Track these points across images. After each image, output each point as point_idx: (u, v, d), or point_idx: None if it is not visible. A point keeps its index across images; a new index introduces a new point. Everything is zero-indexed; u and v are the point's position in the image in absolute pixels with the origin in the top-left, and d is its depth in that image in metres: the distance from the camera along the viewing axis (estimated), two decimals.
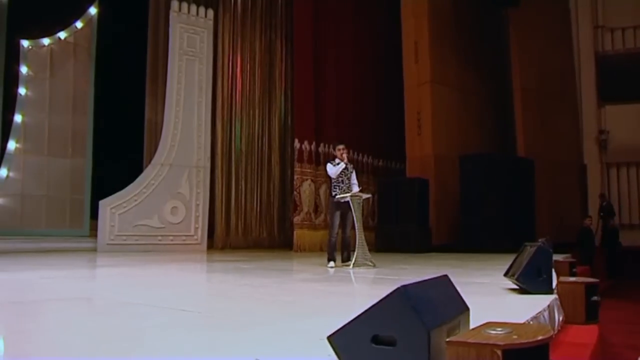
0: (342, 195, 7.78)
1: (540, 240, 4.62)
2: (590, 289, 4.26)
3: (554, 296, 4.13)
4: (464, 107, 15.35)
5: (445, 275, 2.50)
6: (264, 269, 7.45)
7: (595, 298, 4.25)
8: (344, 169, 8.08)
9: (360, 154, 15.87)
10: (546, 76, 16.17)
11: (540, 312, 3.38)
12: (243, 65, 15.77)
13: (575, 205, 16.24)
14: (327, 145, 14.33)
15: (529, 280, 4.29)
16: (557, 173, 15.94)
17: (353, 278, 6.20)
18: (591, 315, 4.23)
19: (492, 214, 13.24)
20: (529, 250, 4.60)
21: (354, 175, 8.24)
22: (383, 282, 5.70)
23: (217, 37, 15.06)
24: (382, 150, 16.61)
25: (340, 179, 8.05)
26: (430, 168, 14.37)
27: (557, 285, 4.35)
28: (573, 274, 6.98)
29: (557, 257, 7.82)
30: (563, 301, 4.21)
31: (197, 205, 13.54)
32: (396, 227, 13.12)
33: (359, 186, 8.24)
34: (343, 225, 8.04)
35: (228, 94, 15.28)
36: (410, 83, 14.96)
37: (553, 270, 4.98)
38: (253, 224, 15.85)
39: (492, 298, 4.28)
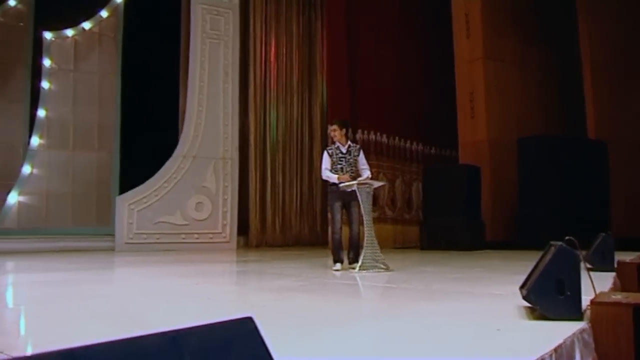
0: (347, 184, 6.40)
1: (568, 237, 3.11)
2: None
3: (581, 325, 2.66)
4: (523, 85, 13.54)
5: (247, 319, 1.16)
6: (252, 272, 6.23)
7: None
8: (342, 155, 6.72)
9: (408, 141, 14.36)
10: (621, 49, 14.03)
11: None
12: (278, 48, 14.58)
13: None
14: (365, 132, 12.96)
15: (544, 299, 2.85)
16: (637, 158, 13.83)
17: (342, 286, 4.86)
18: None
19: (556, 205, 11.46)
20: (552, 252, 3.13)
21: (362, 159, 6.84)
22: (369, 293, 4.35)
23: (248, 19, 13.97)
24: (433, 137, 15.00)
25: (339, 166, 6.69)
26: (484, 154, 12.70)
27: (588, 306, 2.86)
28: None
29: (624, 255, 6.20)
30: (598, 333, 2.73)
31: (225, 199, 12.50)
32: (443, 221, 11.53)
33: (369, 170, 6.84)
34: (349, 219, 6.67)
35: (261, 79, 14.14)
36: (461, 60, 13.32)
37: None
38: (292, 219, 14.66)
39: (486, 325, 2.84)
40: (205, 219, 12.19)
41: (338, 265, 6.50)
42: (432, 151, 15.13)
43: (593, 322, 2.75)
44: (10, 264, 8.37)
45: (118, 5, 14.14)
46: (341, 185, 6.48)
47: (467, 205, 11.45)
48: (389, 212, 13.67)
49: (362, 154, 6.83)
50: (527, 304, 3.27)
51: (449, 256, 9.11)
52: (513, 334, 2.62)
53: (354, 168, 6.70)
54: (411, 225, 13.81)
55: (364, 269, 6.06)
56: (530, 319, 2.96)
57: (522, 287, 3.38)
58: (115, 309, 3.58)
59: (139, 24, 13.89)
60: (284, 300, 3.84)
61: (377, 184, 6.66)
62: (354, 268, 6.20)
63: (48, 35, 13.41)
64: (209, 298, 4.02)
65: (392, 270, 6.08)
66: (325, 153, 6.89)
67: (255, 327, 1.17)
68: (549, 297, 2.83)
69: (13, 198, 12.28)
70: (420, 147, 14.77)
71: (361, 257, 6.17)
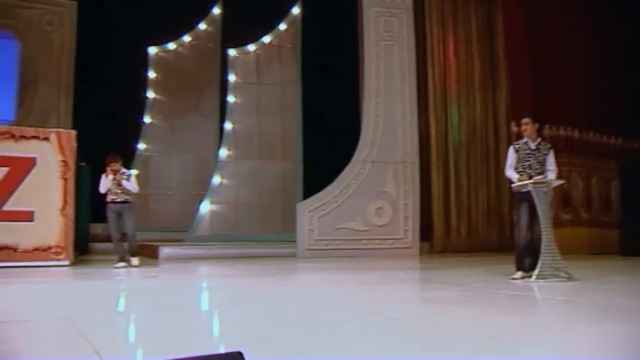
0: (520, 183, 5.80)
1: None
2: None
3: None
4: None
5: (237, 354, 1.00)
6: (419, 280, 5.88)
7: None
8: (530, 151, 6.08)
9: (605, 135, 12.95)
10: None
11: None
12: (457, 46, 13.96)
13: None
14: (553, 127, 11.90)
15: None
16: None
17: (509, 298, 4.33)
18: None
19: None
20: None
21: (550, 158, 6.16)
22: (535, 307, 3.78)
23: (424, 19, 13.57)
24: (636, 129, 13.36)
25: (527, 163, 6.07)
26: None
27: None
28: None
29: None
30: None
31: (406, 204, 12.23)
32: None
33: (556, 173, 6.14)
34: (531, 222, 6.00)
35: (440, 79, 13.63)
36: None
37: None
38: (479, 224, 13.88)
39: None
40: (386, 225, 12.01)
41: (518, 274, 5.90)
42: (635, 145, 13.51)
43: None
44: (203, 268, 8.93)
45: (295, 16, 14.56)
46: (514, 185, 5.91)
47: None
48: (584, 214, 12.42)
49: (551, 154, 6.22)
50: None
51: None
52: None
53: (543, 167, 6.09)
54: (610, 228, 12.41)
55: (541, 278, 5.46)
56: None
57: None
58: (249, 321, 3.50)
59: (316, 32, 14.17)
60: (433, 314, 3.49)
61: (555, 182, 5.96)
62: (530, 277, 5.59)
63: (232, 51, 14.18)
64: (350, 309, 3.78)
65: (575, 280, 5.40)
66: (511, 148, 6.35)
67: None
68: None
69: (205, 207, 13.09)
70: (620, 141, 13.26)
71: (539, 265, 5.54)
